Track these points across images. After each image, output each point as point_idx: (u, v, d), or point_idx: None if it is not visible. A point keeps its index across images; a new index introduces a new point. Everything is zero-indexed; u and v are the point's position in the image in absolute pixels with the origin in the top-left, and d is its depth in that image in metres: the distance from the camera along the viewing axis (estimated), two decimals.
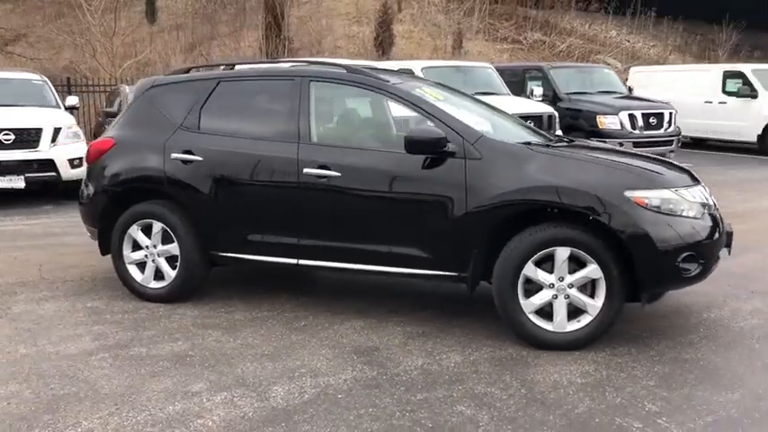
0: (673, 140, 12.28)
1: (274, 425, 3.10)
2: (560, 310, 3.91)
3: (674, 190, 3.91)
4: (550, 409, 3.24)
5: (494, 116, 4.87)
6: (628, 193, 3.81)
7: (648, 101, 12.95)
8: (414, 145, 4.04)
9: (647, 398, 3.35)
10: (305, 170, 4.35)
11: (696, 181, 4.17)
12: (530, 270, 3.90)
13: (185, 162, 4.66)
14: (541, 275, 3.90)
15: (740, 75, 15.23)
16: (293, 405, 3.28)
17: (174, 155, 4.70)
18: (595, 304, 3.87)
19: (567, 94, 12.87)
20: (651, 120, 12.09)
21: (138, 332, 4.27)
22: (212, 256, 4.73)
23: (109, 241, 4.97)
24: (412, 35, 25.95)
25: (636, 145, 11.62)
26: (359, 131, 4.82)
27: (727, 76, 15.43)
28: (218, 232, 4.65)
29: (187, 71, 5.17)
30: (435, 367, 3.72)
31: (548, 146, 4.32)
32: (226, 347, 4.02)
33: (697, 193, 4.03)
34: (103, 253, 5.10)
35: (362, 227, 4.31)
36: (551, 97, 12.63)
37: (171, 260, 4.80)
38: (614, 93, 13.38)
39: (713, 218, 4.02)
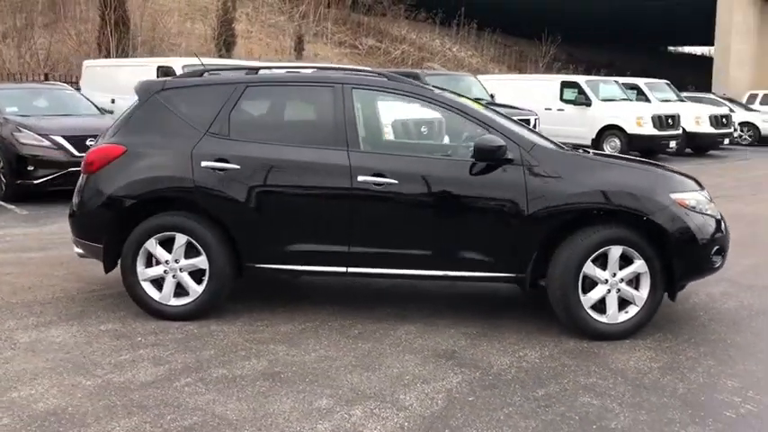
0: None
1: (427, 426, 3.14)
2: (612, 303, 4.30)
3: (699, 192, 4.47)
4: (657, 392, 3.60)
5: (510, 122, 5.14)
6: (673, 196, 4.29)
7: (514, 107, 13.99)
8: (482, 153, 4.21)
9: (722, 374, 3.82)
10: (359, 178, 4.33)
11: (701, 184, 4.78)
12: (589, 268, 4.24)
13: (219, 170, 4.42)
14: (598, 272, 4.26)
15: (575, 85, 17.00)
16: (435, 411, 3.33)
17: (204, 163, 4.43)
18: (642, 296, 4.30)
19: None
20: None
21: (196, 353, 4.00)
22: (248, 268, 4.53)
23: (114, 257, 4.57)
24: (250, 35, 25.56)
25: None
26: (406, 139, 4.87)
27: (565, 85, 17.16)
28: (258, 243, 4.47)
29: (201, 74, 4.86)
30: (524, 364, 3.93)
31: (587, 152, 4.70)
32: (306, 361, 3.91)
33: (707, 195, 4.63)
34: (108, 270, 4.67)
35: (420, 233, 4.39)
36: None
37: (194, 275, 4.52)
38: (481, 99, 14.28)
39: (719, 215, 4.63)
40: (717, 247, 4.38)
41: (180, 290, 4.54)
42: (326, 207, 4.44)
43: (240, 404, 3.36)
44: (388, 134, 4.83)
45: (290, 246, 4.45)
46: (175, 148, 4.52)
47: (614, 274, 4.27)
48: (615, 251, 4.24)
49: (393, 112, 4.96)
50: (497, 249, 4.33)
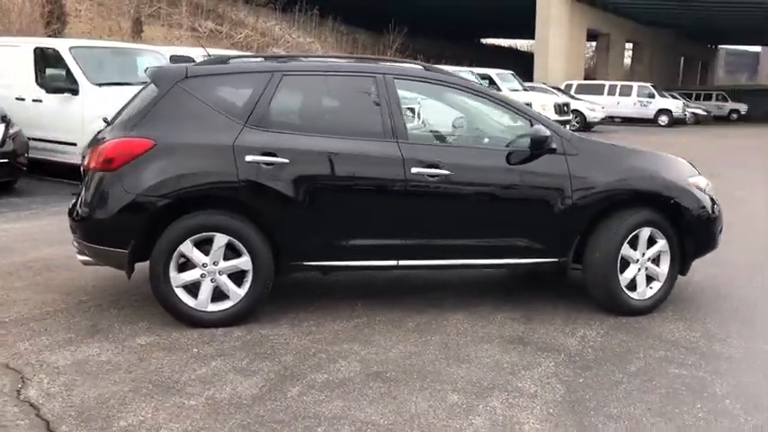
0: None
1: (588, 413, 3.25)
2: (642, 281, 4.65)
3: (700, 175, 4.94)
4: (721, 358, 3.98)
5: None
6: (690, 180, 4.71)
7: None
8: (538, 143, 4.35)
9: (757, 337, 4.31)
10: (413, 169, 4.28)
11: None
12: (625, 249, 4.55)
13: (266, 165, 4.15)
14: (632, 253, 4.58)
15: (487, 77, 17.70)
16: (563, 395, 3.43)
17: (250, 157, 4.13)
18: (664, 273, 4.70)
19: None
20: None
21: (277, 360, 3.76)
22: (293, 266, 4.31)
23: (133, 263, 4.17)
24: (79, 14, 23.49)
25: None
26: (450, 129, 4.83)
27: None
28: (307, 240, 4.27)
29: (225, 61, 4.50)
30: (593, 344, 4.14)
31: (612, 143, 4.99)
32: (394, 358, 3.83)
33: None
34: (130, 276, 4.23)
35: (472, 223, 4.44)
36: None
37: (234, 277, 4.22)
38: None
39: None
40: (720, 226, 4.87)
41: (216, 294, 4.21)
42: (380, 200, 4.34)
43: (378, 408, 3.23)
44: (437, 124, 4.78)
45: (341, 241, 4.30)
46: (214, 141, 4.16)
47: (643, 254, 4.62)
48: (645, 233, 4.58)
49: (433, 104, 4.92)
50: (544, 236, 4.50)
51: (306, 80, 4.47)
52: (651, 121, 29.32)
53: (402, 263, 4.42)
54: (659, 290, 4.69)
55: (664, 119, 29.25)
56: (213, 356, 3.79)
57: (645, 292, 4.66)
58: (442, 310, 4.60)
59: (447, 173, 4.32)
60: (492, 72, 19.71)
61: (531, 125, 4.48)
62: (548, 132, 4.37)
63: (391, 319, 4.41)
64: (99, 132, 4.72)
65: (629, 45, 40.96)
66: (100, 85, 8.98)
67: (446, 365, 3.75)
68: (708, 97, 39.87)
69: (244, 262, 4.18)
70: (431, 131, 4.67)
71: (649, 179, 4.60)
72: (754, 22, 38.77)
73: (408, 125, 4.44)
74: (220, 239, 4.13)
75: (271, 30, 28.92)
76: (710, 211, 4.74)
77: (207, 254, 4.15)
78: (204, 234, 4.12)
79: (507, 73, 20.65)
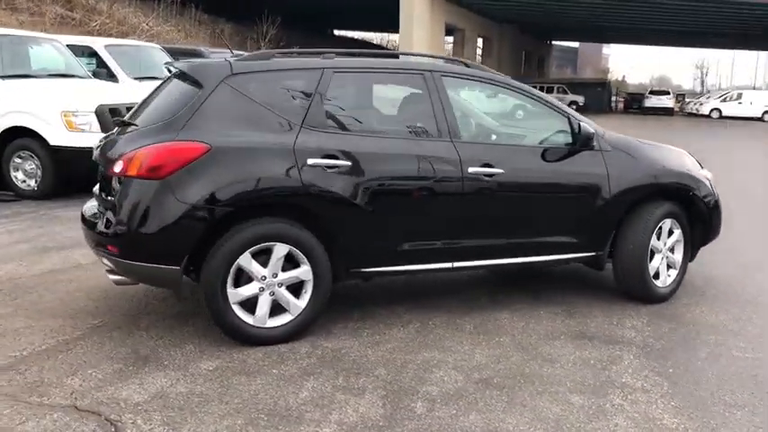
0: None
1: (707, 403, 3.37)
2: (664, 269, 4.87)
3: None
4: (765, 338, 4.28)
5: None
6: (702, 172, 5.00)
7: None
8: (586, 140, 4.42)
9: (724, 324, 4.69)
10: (469, 169, 4.21)
11: None
12: (654, 241, 4.75)
13: (328, 168, 3.89)
14: (658, 243, 4.79)
15: None
16: (675, 390, 3.51)
17: (311, 160, 3.86)
18: (679, 260, 4.96)
19: None
20: None
21: (369, 376, 3.55)
22: (352, 273, 4.09)
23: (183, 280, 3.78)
24: None
25: None
26: (495, 126, 4.74)
27: None
28: (369, 246, 4.07)
29: (269, 57, 4.12)
30: (647, 333, 4.27)
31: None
32: (485, 363, 3.74)
33: None
34: (179, 296, 3.82)
35: (521, 221, 4.44)
36: None
37: (291, 289, 3.94)
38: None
39: None
40: (721, 215, 5.21)
41: (275, 308, 3.91)
42: (437, 201, 4.21)
43: (517, 417, 3.15)
44: (483, 122, 4.66)
45: (401, 245, 4.13)
46: (272, 143, 3.84)
47: (665, 244, 4.85)
48: (667, 224, 4.81)
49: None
50: (585, 231, 4.59)
51: (356, 78, 4.23)
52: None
53: (456, 265, 4.32)
54: (676, 277, 4.95)
55: (520, 112, 30.79)
56: (302, 377, 3.51)
57: (666, 280, 4.89)
58: (485, 310, 4.56)
59: (500, 171, 4.28)
60: None
61: (570, 122, 4.54)
62: (593, 130, 4.46)
63: (445, 323, 4.31)
64: (109, 135, 4.21)
65: (480, 40, 42.80)
66: None
67: (539, 367, 3.72)
68: (549, 90, 42.53)
69: (304, 272, 3.90)
70: (483, 131, 4.57)
71: (675, 173, 4.82)
72: (583, 19, 42.03)
73: (461, 124, 4.33)
74: (280, 249, 3.83)
75: (127, 17, 27.14)
76: (717, 201, 5.05)
77: (264, 265, 3.83)
78: (264, 245, 3.79)
79: None
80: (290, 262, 3.89)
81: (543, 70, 59.17)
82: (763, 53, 72.56)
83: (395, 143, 4.12)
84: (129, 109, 8.77)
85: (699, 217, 4.96)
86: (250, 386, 3.39)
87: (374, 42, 57.75)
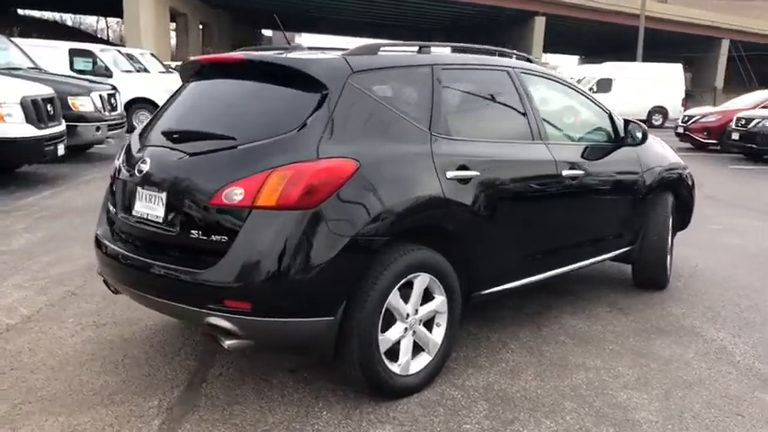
0: (123, 122, 12.00)
1: None
2: (670, 256, 5.14)
3: None
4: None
5: None
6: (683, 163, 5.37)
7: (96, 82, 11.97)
8: (644, 137, 4.44)
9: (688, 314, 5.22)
10: (564, 172, 3.98)
11: None
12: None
13: (463, 181, 3.37)
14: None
15: (89, 53, 15.32)
16: None
17: (450, 173, 3.30)
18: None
19: None
20: (111, 101, 11.43)
21: (555, 419, 3.18)
22: (473, 298, 3.61)
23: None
24: None
25: (110, 128, 10.99)
26: (564, 125, 4.40)
27: (75, 54, 15.24)
28: (494, 264, 3.62)
29: (375, 51, 3.35)
30: (708, 322, 4.46)
31: None
32: (624, 373, 3.59)
33: None
34: (337, 354, 3.03)
35: (595, 221, 4.35)
36: None
37: (426, 325, 3.38)
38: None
39: None
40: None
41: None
42: (545, 208, 3.91)
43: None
44: (554, 120, 4.30)
45: (517, 259, 3.76)
46: (414, 156, 3.19)
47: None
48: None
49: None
50: (630, 225, 4.63)
51: (456, 76, 3.66)
52: None
53: (553, 273, 4.07)
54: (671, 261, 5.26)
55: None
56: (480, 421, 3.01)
57: (670, 267, 5.16)
58: (540, 316, 4.40)
59: (581, 173, 4.12)
60: (95, 47, 16.48)
61: (612, 119, 4.53)
62: (640, 126, 4.50)
63: (527, 339, 4.04)
64: (146, 159, 3.16)
65: (201, 27, 41.08)
66: None
67: (677, 371, 3.66)
68: None
69: (440, 304, 3.35)
70: (556, 129, 4.29)
71: (676, 162, 5.09)
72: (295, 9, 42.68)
73: (545, 124, 4.05)
74: (422, 280, 3.23)
75: None
76: (693, 185, 5.41)
77: (406, 302, 3.20)
78: (408, 278, 3.16)
79: (112, 50, 17.69)
80: (424, 293, 3.30)
81: None
82: None
83: (504, 148, 3.72)
84: (47, 101, 7.43)
85: (682, 203, 5.28)
86: None
87: (68, 25, 52.15)
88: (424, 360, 3.32)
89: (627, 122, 4.51)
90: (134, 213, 3.22)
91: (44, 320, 4.14)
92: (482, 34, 50.45)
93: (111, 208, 3.45)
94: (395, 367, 3.17)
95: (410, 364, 3.25)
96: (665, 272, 4.98)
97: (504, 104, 3.87)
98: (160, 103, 15.17)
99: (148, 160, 3.13)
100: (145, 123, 3.63)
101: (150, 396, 3.22)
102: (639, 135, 4.48)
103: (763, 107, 16.30)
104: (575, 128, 4.40)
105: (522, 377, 3.51)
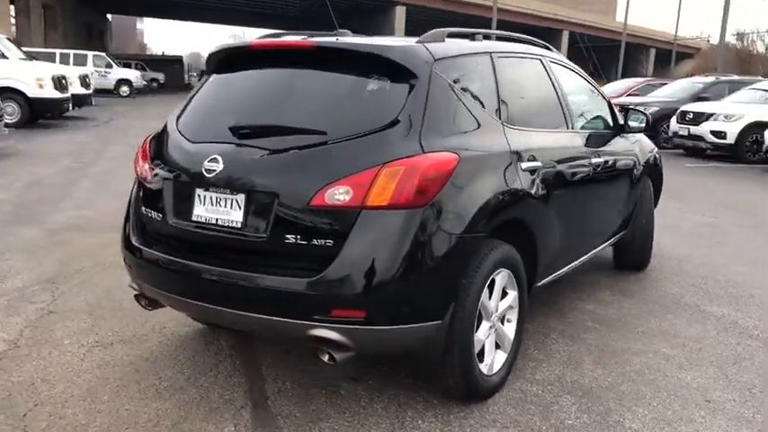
0: None
1: None
2: None
3: None
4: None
5: None
6: None
7: None
8: (648, 125, 4.57)
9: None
10: (593, 159, 4.03)
11: None
12: None
13: (532, 172, 3.30)
14: None
15: None
16: None
17: (524, 164, 3.22)
18: None
19: None
20: None
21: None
22: (532, 290, 3.56)
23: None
24: None
25: None
26: (584, 113, 4.35)
27: None
28: (550, 255, 3.59)
29: (443, 38, 3.14)
30: (706, 303, 4.70)
31: None
32: (665, 361, 3.71)
33: None
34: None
35: (609, 208, 4.42)
36: None
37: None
38: None
39: None
40: None
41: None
42: (581, 196, 3.92)
43: None
44: (578, 109, 4.24)
45: (561, 249, 3.74)
46: (496, 147, 3.08)
47: None
48: None
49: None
50: (625, 211, 4.76)
51: (509, 63, 3.52)
52: (111, 92, 28.38)
53: (579, 261, 4.11)
54: None
55: (125, 89, 28.68)
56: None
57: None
58: (557, 303, 4.44)
59: (602, 161, 4.18)
60: None
61: (610, 107, 4.63)
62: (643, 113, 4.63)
63: (560, 327, 4.07)
64: (216, 158, 2.82)
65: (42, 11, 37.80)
66: None
67: (714, 348, 3.82)
68: (127, 65, 40.22)
69: (513, 299, 3.27)
70: (583, 118, 4.27)
71: (653, 147, 5.29)
72: None
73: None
74: (503, 277, 3.14)
75: None
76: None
77: (489, 299, 3.10)
78: (493, 274, 3.05)
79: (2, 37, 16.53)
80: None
81: (104, 45, 55.39)
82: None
83: (552, 137, 3.69)
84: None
85: (656, 184, 5.44)
86: None
87: None
88: (501, 358, 3.21)
89: (627, 110, 4.62)
90: (194, 218, 2.85)
91: (35, 345, 3.60)
92: (346, 22, 50.61)
93: (152, 213, 3.04)
94: (483, 368, 3.05)
95: (493, 364, 3.14)
96: (649, 254, 5.19)
97: (544, 93, 3.84)
98: (30, 95, 13.89)
99: (220, 159, 2.77)
100: (174, 119, 3.22)
101: (220, 421, 2.88)
102: (642, 123, 4.59)
103: (631, 95, 17.56)
104: (590, 116, 4.44)
105: (584, 367, 3.51)
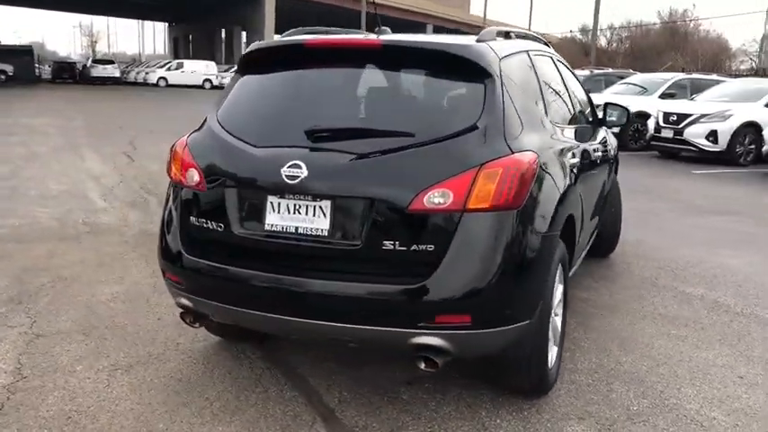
0: None
1: None
2: None
3: None
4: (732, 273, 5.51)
5: None
6: None
7: None
8: (629, 118, 4.76)
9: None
10: (595, 152, 4.17)
11: None
12: None
13: (573, 167, 3.37)
14: None
15: None
16: None
17: (570, 160, 3.31)
18: None
19: None
20: None
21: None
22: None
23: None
24: None
25: None
26: (579, 107, 4.39)
27: None
28: (580, 248, 3.70)
29: (494, 36, 3.08)
30: (681, 284, 5.01)
31: None
32: (681, 341, 3.93)
33: None
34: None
35: (599, 201, 4.57)
36: None
37: None
38: None
39: None
40: None
41: None
42: (589, 189, 4.01)
43: None
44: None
45: (582, 242, 3.85)
46: (556, 144, 3.15)
47: None
48: None
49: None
50: (605, 201, 4.96)
51: (537, 62, 3.54)
52: None
53: (584, 252, 4.24)
54: None
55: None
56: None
57: None
58: (580, 301, 4.52)
59: (601, 152, 4.35)
60: None
61: (590, 100, 4.81)
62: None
63: (568, 314, 4.22)
64: (299, 164, 2.66)
65: None
66: None
67: (715, 327, 4.08)
68: None
69: (561, 293, 3.34)
70: (579, 113, 4.35)
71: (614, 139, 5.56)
72: None
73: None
74: (560, 272, 3.19)
75: None
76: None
77: None
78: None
79: None
80: None
81: None
82: (159, 24, 77.62)
83: (573, 132, 3.77)
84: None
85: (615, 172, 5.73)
86: None
87: None
88: (554, 351, 3.26)
89: (606, 104, 4.81)
90: (267, 228, 2.67)
91: (44, 374, 3.24)
92: (214, 15, 49.08)
93: (209, 223, 2.80)
94: (552, 364, 3.09)
95: (552, 357, 3.18)
96: (617, 240, 5.46)
97: (561, 90, 3.92)
98: None
99: (303, 164, 2.59)
100: (217, 121, 2.98)
101: None
102: (624, 118, 4.78)
103: None
104: (582, 110, 4.58)
105: (614, 354, 3.63)
